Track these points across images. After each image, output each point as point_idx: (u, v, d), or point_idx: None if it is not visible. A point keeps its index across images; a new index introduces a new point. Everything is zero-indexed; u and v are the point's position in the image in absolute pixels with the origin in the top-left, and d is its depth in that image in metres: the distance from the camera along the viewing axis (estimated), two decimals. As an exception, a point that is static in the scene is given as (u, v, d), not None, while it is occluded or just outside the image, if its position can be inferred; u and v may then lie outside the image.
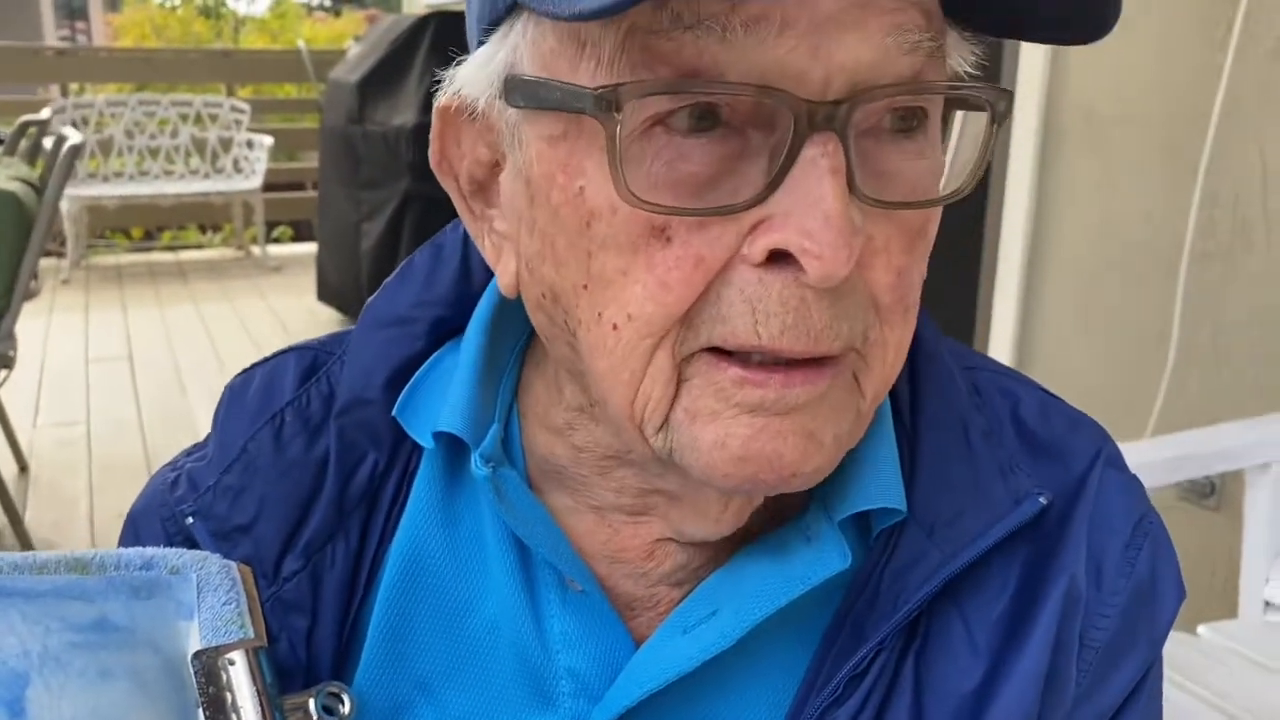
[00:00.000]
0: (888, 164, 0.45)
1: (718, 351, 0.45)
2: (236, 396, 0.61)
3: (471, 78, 0.49)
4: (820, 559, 0.51)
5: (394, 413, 0.57)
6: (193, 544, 0.56)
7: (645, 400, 0.46)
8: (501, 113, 0.48)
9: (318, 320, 5.37)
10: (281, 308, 5.63)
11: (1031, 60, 2.35)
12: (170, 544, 0.57)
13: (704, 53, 0.41)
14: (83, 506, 3.24)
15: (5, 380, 2.44)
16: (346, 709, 0.52)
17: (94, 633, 0.50)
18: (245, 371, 0.62)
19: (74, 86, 6.83)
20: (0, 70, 6.59)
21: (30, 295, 2.29)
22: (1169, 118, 2.14)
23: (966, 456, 0.55)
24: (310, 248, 7.09)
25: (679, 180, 0.43)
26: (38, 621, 0.49)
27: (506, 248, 0.51)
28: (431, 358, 0.59)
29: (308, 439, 0.57)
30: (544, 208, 0.46)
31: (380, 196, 4.62)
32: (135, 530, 0.60)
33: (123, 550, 0.53)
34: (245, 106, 6.86)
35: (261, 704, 0.49)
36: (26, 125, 3.07)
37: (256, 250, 6.85)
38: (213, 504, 0.57)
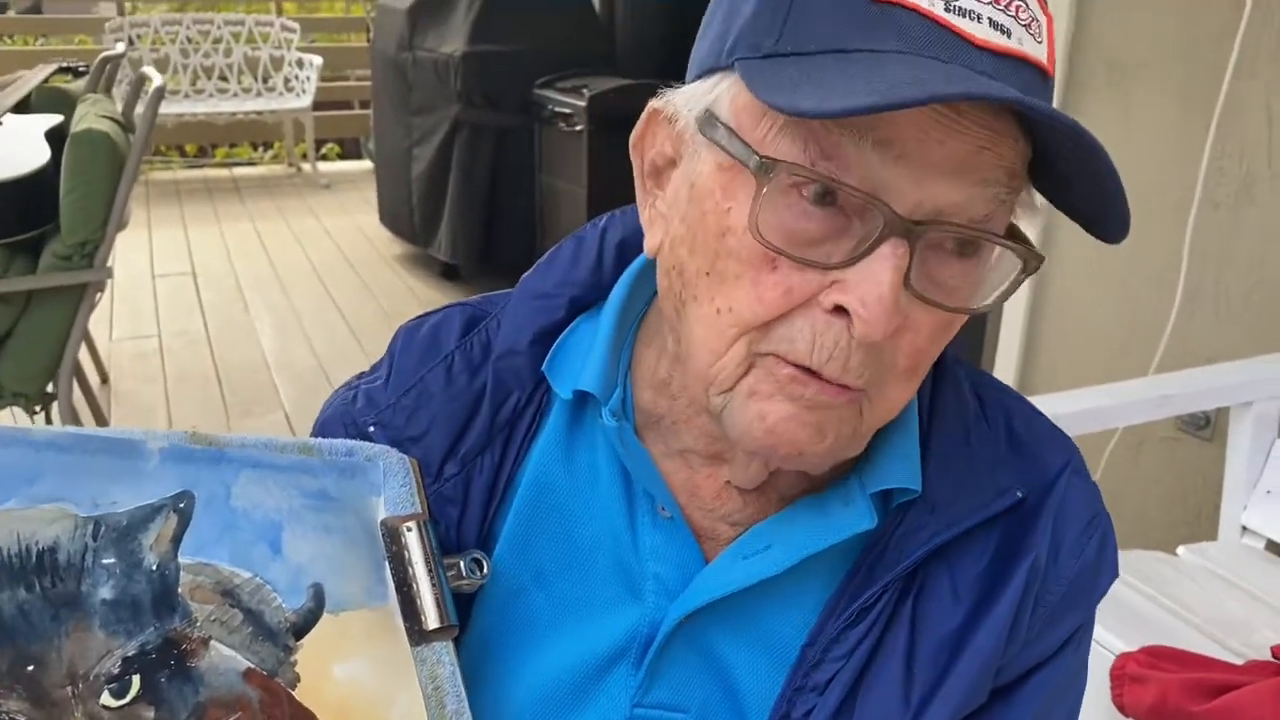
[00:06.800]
0: (940, 273, 0.58)
1: (776, 356, 0.60)
2: (410, 336, 0.76)
3: (683, 101, 0.63)
4: (854, 518, 0.66)
5: (543, 369, 0.72)
6: None
7: (720, 369, 0.61)
8: (693, 131, 0.62)
9: (369, 240, 5.54)
10: (333, 226, 5.82)
11: (1058, 9, 2.43)
12: None
13: (843, 149, 0.55)
14: (160, 415, 3.49)
15: (99, 302, 2.65)
16: (485, 571, 0.70)
17: (318, 499, 0.67)
18: (417, 319, 0.78)
19: (128, 5, 6.96)
20: (57, -11, 6.74)
21: (121, 227, 2.49)
22: (1187, 71, 2.22)
23: (966, 455, 0.70)
24: (358, 165, 7.25)
25: (795, 232, 0.57)
26: (283, 488, 0.66)
27: (659, 223, 0.65)
28: (569, 327, 0.74)
29: (470, 376, 0.73)
30: (697, 209, 0.61)
31: (430, 123, 4.64)
32: (323, 434, 0.75)
33: (334, 440, 0.68)
34: (295, 25, 6.95)
35: (428, 559, 0.68)
36: (106, 60, 3.24)
37: (307, 167, 7.02)
38: (392, 418, 0.73)
